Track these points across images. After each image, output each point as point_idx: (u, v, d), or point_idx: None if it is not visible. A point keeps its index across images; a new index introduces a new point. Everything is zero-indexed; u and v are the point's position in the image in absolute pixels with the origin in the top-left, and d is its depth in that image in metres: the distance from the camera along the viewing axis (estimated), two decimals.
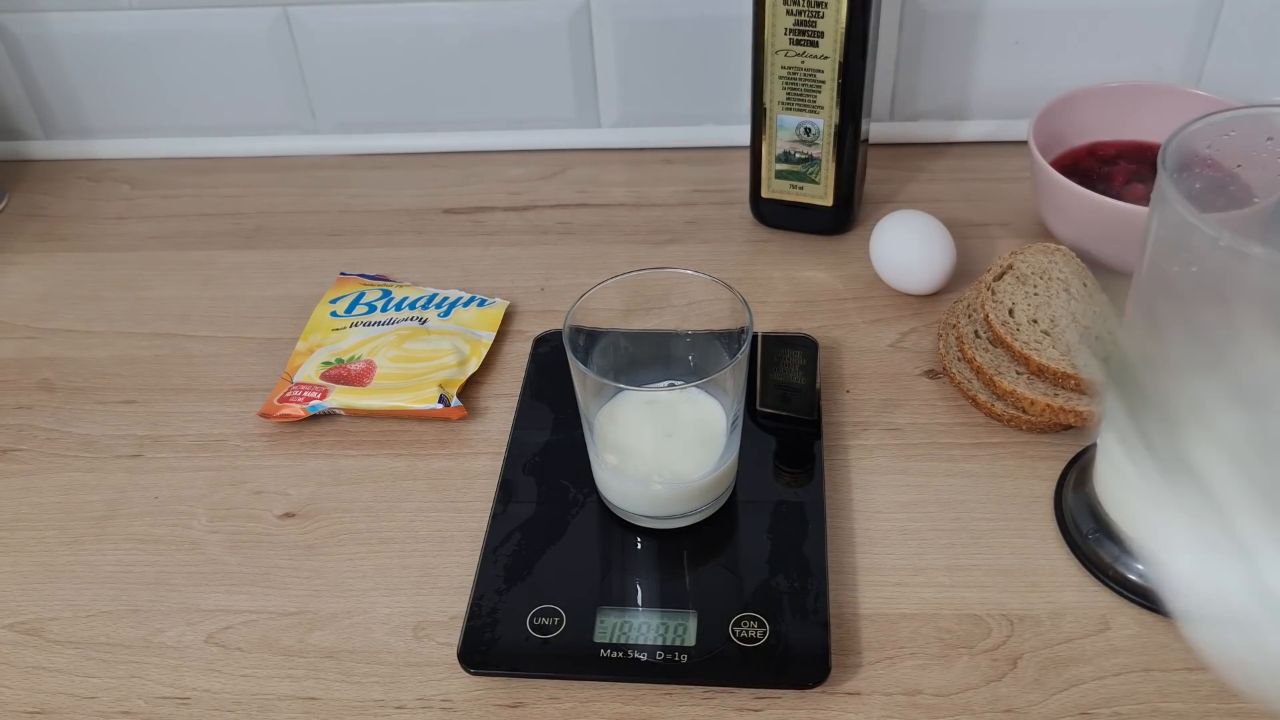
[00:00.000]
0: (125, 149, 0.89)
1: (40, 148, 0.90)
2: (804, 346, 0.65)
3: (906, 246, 0.69)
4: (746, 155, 0.75)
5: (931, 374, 0.66)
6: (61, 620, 0.55)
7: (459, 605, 0.54)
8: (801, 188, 0.74)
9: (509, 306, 0.71)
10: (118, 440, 0.65)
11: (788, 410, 0.62)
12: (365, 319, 0.69)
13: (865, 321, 0.69)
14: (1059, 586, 0.54)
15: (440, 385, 0.64)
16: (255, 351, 0.70)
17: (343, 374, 0.65)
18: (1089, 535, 0.55)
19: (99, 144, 0.89)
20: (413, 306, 0.70)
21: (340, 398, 0.64)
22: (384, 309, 0.70)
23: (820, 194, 0.74)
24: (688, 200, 0.80)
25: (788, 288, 0.72)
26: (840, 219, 0.76)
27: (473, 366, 0.66)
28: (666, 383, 0.57)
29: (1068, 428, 0.60)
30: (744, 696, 0.50)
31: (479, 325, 0.69)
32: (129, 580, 0.57)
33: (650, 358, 0.58)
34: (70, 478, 0.63)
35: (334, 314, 0.69)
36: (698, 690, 0.50)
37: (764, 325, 0.69)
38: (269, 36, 0.83)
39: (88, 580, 0.57)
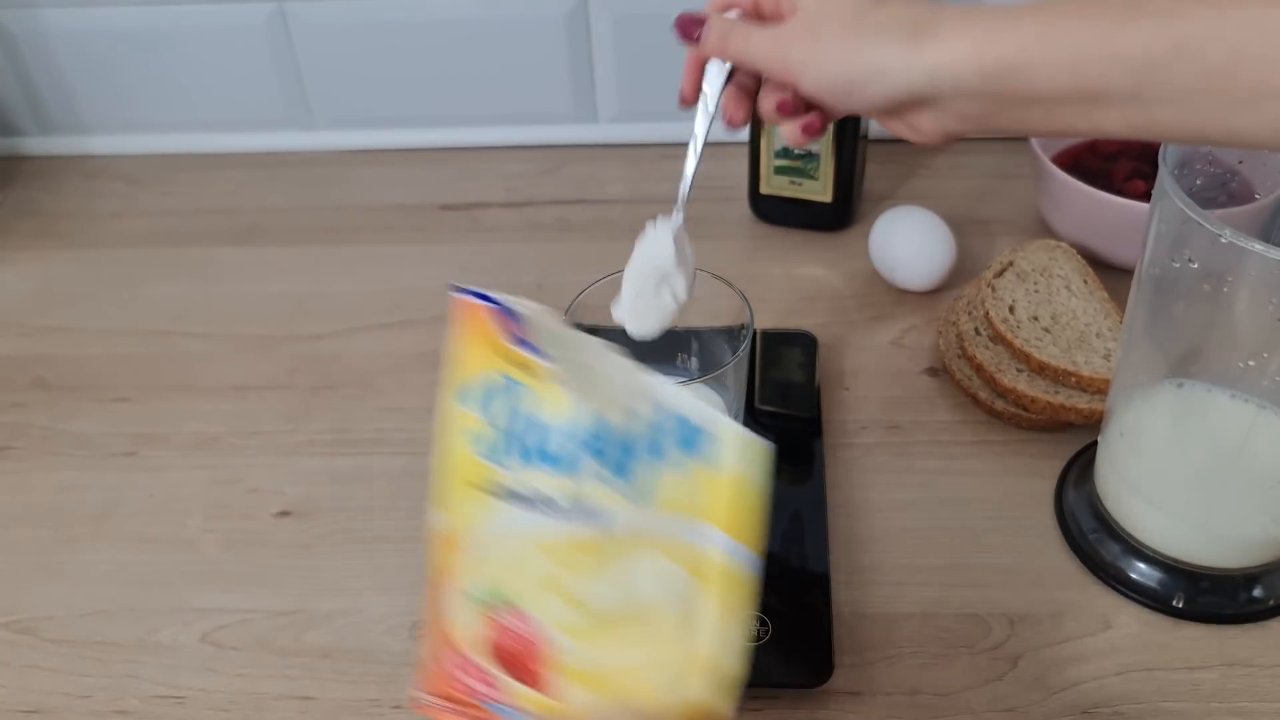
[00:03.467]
0: (121, 145, 0.89)
1: (35, 144, 0.89)
2: (803, 344, 0.65)
3: (906, 243, 0.69)
4: (745, 151, 0.75)
5: (932, 371, 0.65)
6: (56, 619, 0.55)
7: None
8: (801, 184, 0.74)
9: None
10: (113, 439, 0.64)
11: (787, 408, 0.62)
12: (508, 478, 0.39)
13: (865, 319, 0.69)
14: (1060, 585, 0.53)
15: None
16: (250, 349, 0.70)
17: (506, 650, 0.38)
18: (1090, 534, 0.55)
19: (94, 140, 0.89)
20: (573, 465, 0.38)
21: (526, 702, 0.38)
22: (528, 449, 0.39)
23: (819, 190, 0.74)
24: (689, 198, 0.80)
25: (787, 284, 0.72)
26: (840, 215, 0.75)
27: (709, 635, 0.36)
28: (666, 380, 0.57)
29: (1068, 425, 0.60)
30: (744, 696, 0.49)
31: (707, 508, 0.37)
32: (124, 579, 0.56)
33: (649, 355, 0.58)
34: (65, 476, 0.62)
35: (469, 438, 0.40)
36: None
37: (763, 322, 0.68)
38: (265, 32, 0.82)
39: (82, 579, 0.57)
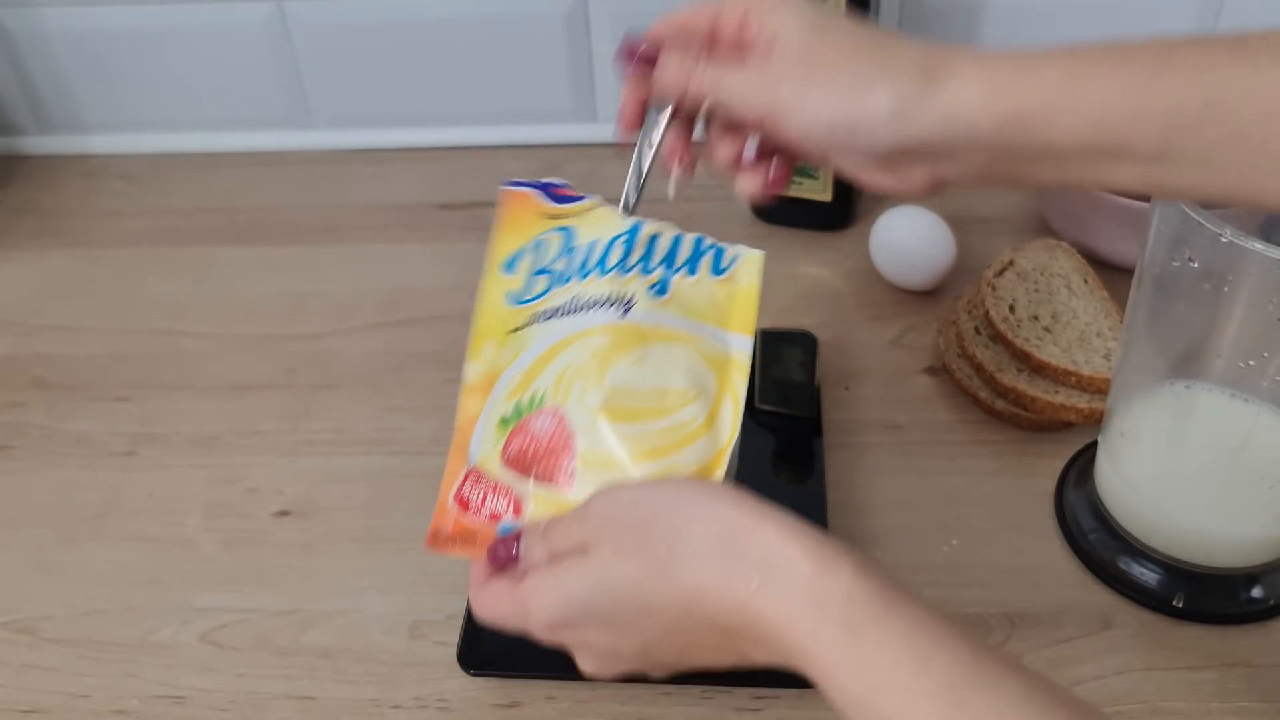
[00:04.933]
0: (120, 144, 0.89)
1: (35, 143, 0.89)
2: (803, 343, 0.65)
3: (906, 242, 0.69)
4: None
5: (932, 371, 0.65)
6: (55, 619, 0.55)
7: (455, 604, 0.53)
8: (801, 183, 0.74)
9: None
10: (112, 438, 0.64)
11: (787, 408, 0.62)
12: (546, 303, 0.44)
13: (865, 318, 0.69)
14: (1060, 585, 0.53)
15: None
16: (249, 348, 0.70)
17: (528, 453, 0.42)
18: (1090, 534, 0.54)
19: (93, 139, 0.89)
20: (605, 269, 0.44)
21: (539, 509, 0.42)
22: (566, 274, 0.44)
23: (819, 189, 0.74)
24: (686, 195, 0.79)
25: (786, 284, 0.72)
26: (840, 215, 0.75)
27: (729, 424, 0.42)
28: None
29: (1069, 425, 0.60)
30: (743, 696, 0.49)
31: (724, 314, 0.44)
32: (123, 579, 0.56)
33: None
34: (64, 475, 0.62)
35: (510, 296, 0.45)
36: (695, 690, 0.50)
37: (763, 322, 0.68)
38: (264, 31, 0.82)
39: (81, 578, 0.56)
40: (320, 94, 0.85)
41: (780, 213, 0.76)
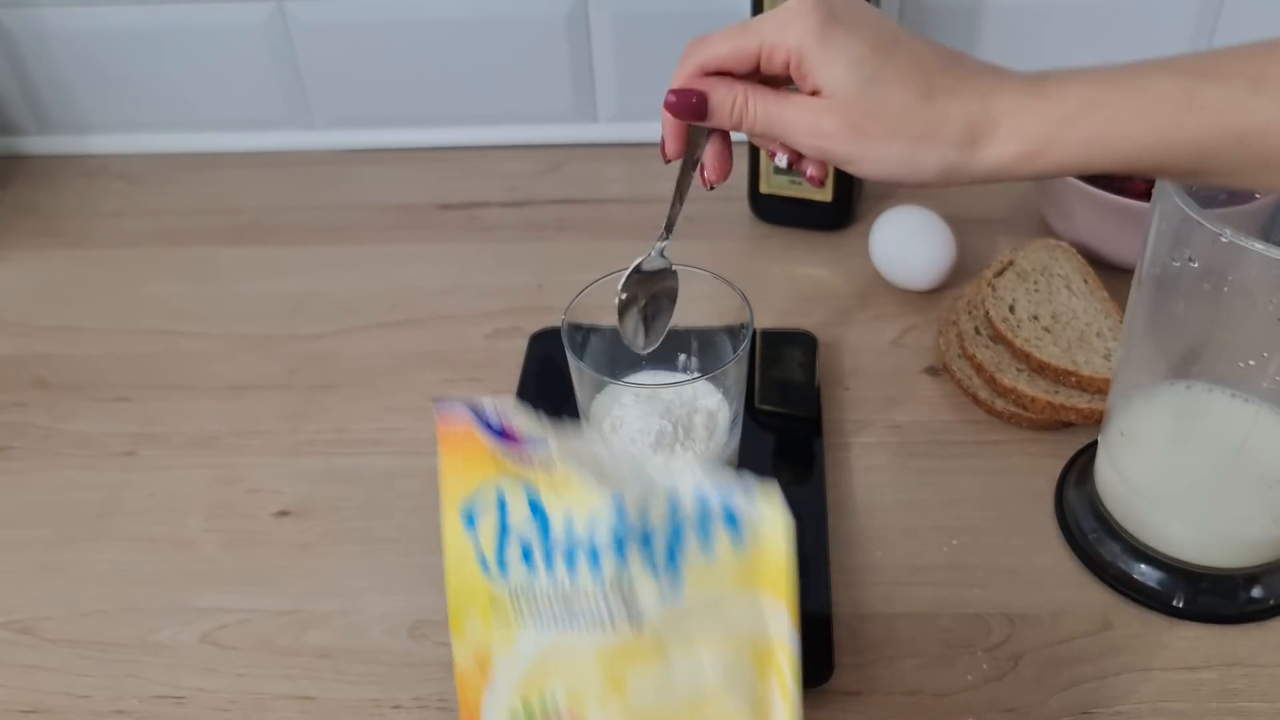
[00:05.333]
0: (120, 145, 0.89)
1: (34, 143, 0.89)
2: (803, 343, 0.65)
3: (906, 243, 0.69)
4: (745, 151, 0.75)
5: (932, 371, 0.65)
6: (56, 619, 0.55)
7: None
8: (801, 183, 0.74)
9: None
10: (112, 438, 0.64)
11: (787, 408, 0.62)
12: (531, 589, 0.36)
13: (865, 318, 0.69)
14: (1060, 585, 0.53)
15: None
16: (250, 349, 0.70)
17: None
18: (1090, 534, 0.54)
19: (93, 140, 0.89)
20: (596, 560, 0.35)
21: None
22: (549, 553, 0.36)
23: (819, 189, 0.74)
24: (688, 197, 0.80)
25: (787, 284, 0.72)
26: (840, 215, 0.75)
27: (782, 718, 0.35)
28: (666, 379, 0.57)
29: (1068, 425, 0.60)
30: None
31: (752, 580, 0.36)
32: (124, 579, 0.56)
33: (650, 354, 0.58)
34: (65, 476, 0.62)
35: (484, 564, 0.37)
36: None
37: (763, 322, 0.68)
38: (264, 31, 0.82)
39: (82, 579, 0.57)
40: (320, 94, 0.85)
41: (781, 212, 0.76)
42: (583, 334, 0.54)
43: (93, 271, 0.77)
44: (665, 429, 0.53)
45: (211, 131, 0.88)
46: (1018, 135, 0.39)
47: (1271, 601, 0.52)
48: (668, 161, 0.46)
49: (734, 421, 0.54)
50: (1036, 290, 0.64)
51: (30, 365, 0.70)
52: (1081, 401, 0.58)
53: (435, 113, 0.86)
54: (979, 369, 0.62)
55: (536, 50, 0.82)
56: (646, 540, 0.34)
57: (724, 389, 0.53)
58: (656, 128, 0.91)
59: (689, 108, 0.43)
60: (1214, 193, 0.57)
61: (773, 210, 0.77)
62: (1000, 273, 0.65)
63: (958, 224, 0.70)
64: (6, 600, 0.56)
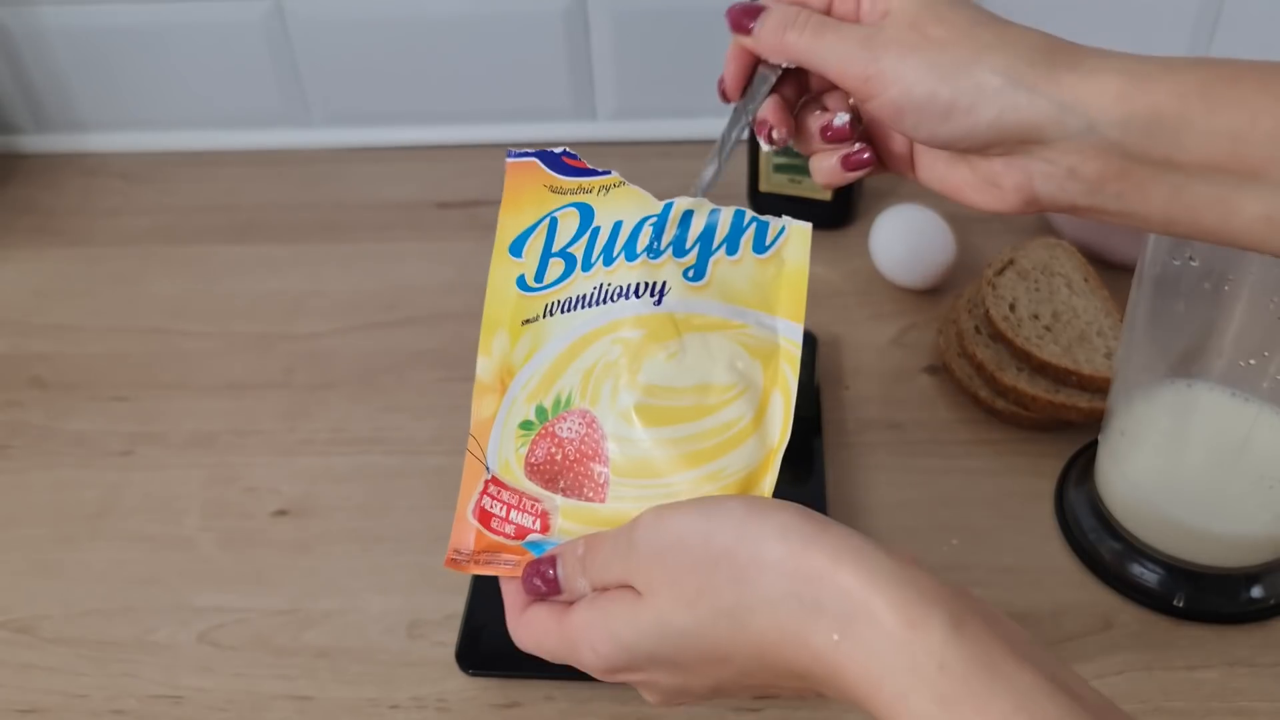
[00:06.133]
0: (118, 143, 0.88)
1: (33, 142, 0.89)
2: (803, 342, 0.65)
3: (906, 241, 0.69)
4: (744, 149, 0.75)
5: (932, 370, 0.65)
6: (53, 618, 0.55)
7: (453, 604, 0.53)
8: (800, 181, 0.74)
9: None
10: (110, 437, 0.64)
11: None
12: (565, 290, 0.39)
13: (865, 317, 0.69)
14: (1060, 585, 0.53)
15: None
16: (248, 347, 0.70)
17: (554, 461, 0.38)
18: (1090, 533, 0.54)
19: (92, 138, 0.89)
20: (633, 253, 0.39)
21: (568, 523, 0.38)
22: (587, 259, 0.39)
23: (819, 188, 0.74)
24: (685, 194, 0.80)
25: None
26: (839, 213, 0.75)
27: (779, 423, 0.38)
28: None
29: (1069, 424, 0.60)
30: (743, 696, 0.49)
31: (769, 298, 0.39)
32: (121, 578, 0.56)
33: None
34: (62, 475, 0.62)
35: (522, 281, 0.41)
36: None
37: None
38: (262, 29, 0.82)
39: (80, 578, 0.56)
40: (319, 92, 0.85)
41: (780, 211, 0.76)
42: None
43: (90, 270, 0.77)
44: None
45: (210, 129, 0.88)
46: (1107, 68, 0.33)
47: (1272, 601, 0.52)
48: (726, 101, 0.43)
49: None
50: (1037, 289, 0.64)
51: (28, 364, 0.69)
52: (1082, 400, 0.58)
53: (434, 110, 0.86)
54: (979, 368, 0.62)
55: (535, 48, 0.82)
56: (681, 235, 0.39)
57: None
58: (656, 125, 0.92)
59: (741, 14, 0.40)
60: None
61: (772, 209, 0.76)
62: (1000, 271, 0.65)
63: (958, 222, 0.70)
64: (4, 599, 0.56)
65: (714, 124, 0.84)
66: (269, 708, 0.50)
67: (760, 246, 0.39)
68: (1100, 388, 0.58)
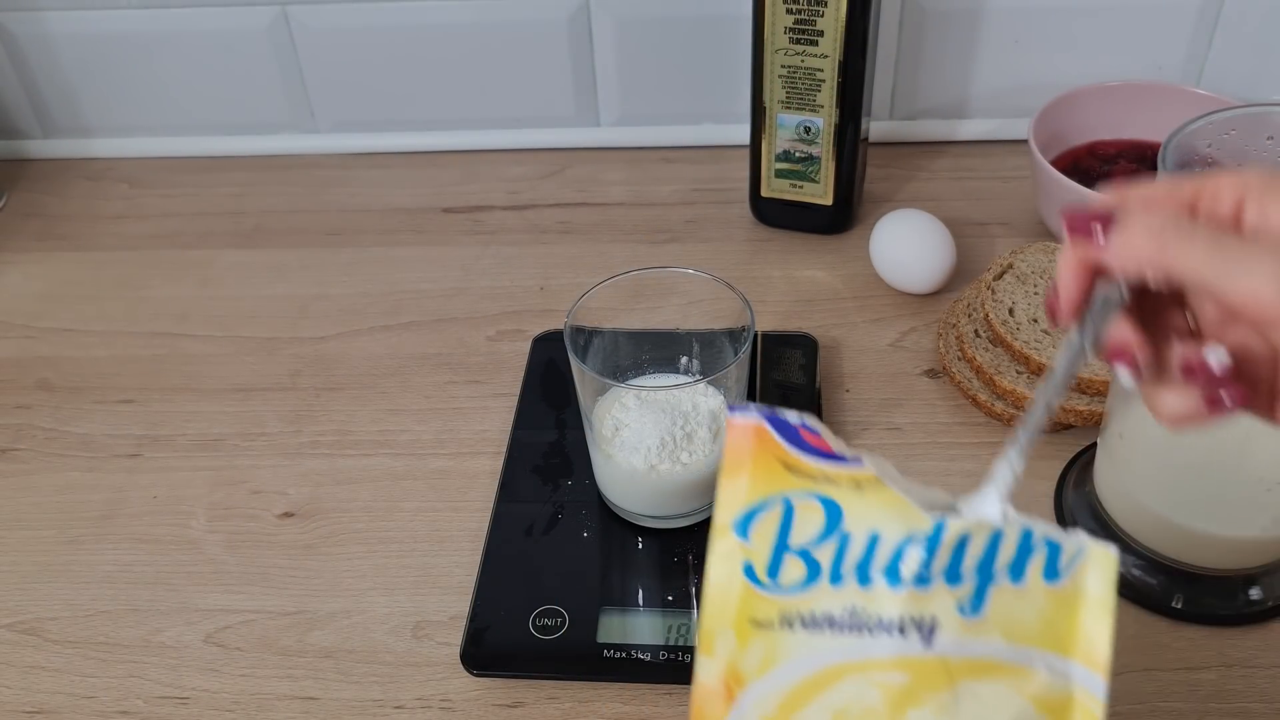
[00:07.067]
0: (124, 148, 0.89)
1: (39, 147, 0.89)
2: (803, 346, 0.65)
3: (906, 246, 0.69)
4: (746, 154, 0.75)
5: (931, 373, 0.66)
6: (60, 620, 0.55)
7: (458, 605, 0.53)
8: (801, 186, 0.74)
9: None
10: (116, 440, 0.64)
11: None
12: (808, 602, 0.33)
13: (865, 321, 0.69)
14: None
15: None
16: (254, 351, 0.70)
17: None
18: (1089, 534, 0.55)
19: (98, 143, 0.89)
20: (896, 580, 0.32)
21: None
22: (838, 569, 0.33)
23: (820, 193, 0.74)
24: (687, 199, 0.80)
25: (787, 287, 0.72)
26: (840, 218, 0.76)
27: None
28: (667, 381, 0.57)
29: (1068, 427, 0.60)
30: None
31: (1063, 637, 0.33)
32: (128, 580, 0.57)
33: (651, 357, 0.58)
34: (69, 477, 0.62)
35: (751, 572, 0.34)
36: None
37: (763, 324, 0.69)
38: (268, 35, 0.82)
39: (86, 580, 0.57)
40: (324, 98, 0.86)
41: (781, 216, 0.77)
42: (585, 336, 0.54)
43: (97, 274, 0.78)
44: (667, 431, 0.53)
45: (215, 135, 0.88)
46: None
47: (1270, 603, 0.52)
48: (1056, 325, 0.36)
49: None
50: (1036, 293, 0.64)
51: (35, 367, 0.70)
52: (1080, 403, 0.59)
53: (438, 116, 0.86)
54: (979, 371, 0.62)
55: (539, 55, 0.82)
56: (956, 561, 0.32)
57: (725, 391, 0.54)
58: (659, 131, 0.92)
59: (1084, 218, 0.32)
60: None
61: (773, 213, 0.77)
62: (999, 275, 0.65)
63: (957, 227, 0.70)
64: (11, 601, 0.56)
65: (715, 129, 0.85)
66: (275, 708, 0.51)
67: (1052, 573, 0.33)
68: (1099, 391, 0.59)
